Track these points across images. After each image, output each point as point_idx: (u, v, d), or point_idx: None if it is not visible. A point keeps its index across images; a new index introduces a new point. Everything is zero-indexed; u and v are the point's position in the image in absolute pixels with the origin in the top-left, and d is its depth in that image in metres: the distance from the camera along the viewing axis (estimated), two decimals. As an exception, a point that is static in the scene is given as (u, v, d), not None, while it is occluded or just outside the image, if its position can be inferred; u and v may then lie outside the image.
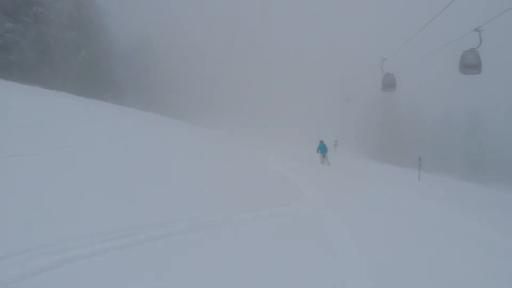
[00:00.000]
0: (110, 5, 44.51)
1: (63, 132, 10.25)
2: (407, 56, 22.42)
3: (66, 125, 11.43)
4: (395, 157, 51.17)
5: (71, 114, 14.19)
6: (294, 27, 70.78)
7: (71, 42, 37.10)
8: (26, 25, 30.73)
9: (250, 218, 6.36)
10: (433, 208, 11.79)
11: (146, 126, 16.84)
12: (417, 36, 14.06)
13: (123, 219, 4.98)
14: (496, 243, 8.70)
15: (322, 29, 71.02)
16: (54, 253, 3.72)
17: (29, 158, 7.01)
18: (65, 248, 3.86)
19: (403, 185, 18.14)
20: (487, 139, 58.78)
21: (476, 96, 62.01)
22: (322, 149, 20.98)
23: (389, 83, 18.23)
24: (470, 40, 12.92)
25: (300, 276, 4.34)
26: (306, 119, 55.52)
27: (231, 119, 51.28)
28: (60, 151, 7.96)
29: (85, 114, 14.97)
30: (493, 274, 5.92)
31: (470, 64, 12.92)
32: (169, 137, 15.27)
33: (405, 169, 31.52)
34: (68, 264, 3.59)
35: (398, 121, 60.30)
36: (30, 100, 15.03)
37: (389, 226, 8.00)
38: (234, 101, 57.57)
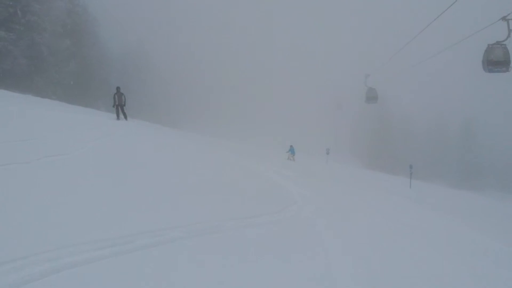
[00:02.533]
0: (103, 13, 44.54)
1: (54, 140, 10.22)
2: (401, 62, 22.82)
3: (57, 133, 11.40)
4: (387, 164, 51.47)
5: (62, 122, 14.15)
6: (290, 34, 71.19)
7: (64, 50, 37.11)
8: (19, 33, 30.71)
9: (242, 225, 6.38)
10: (422, 214, 11.88)
11: (139, 133, 16.82)
12: (413, 40, 14.02)
13: (112, 227, 5.00)
14: (487, 248, 8.85)
15: (317, 35, 71.56)
16: (46, 261, 3.70)
17: (20, 166, 6.97)
18: (58, 256, 3.84)
19: (394, 192, 18.28)
20: (480, 146, 59.17)
21: (469, 102, 62.50)
22: (292, 151, 29.77)
23: (371, 96, 19.80)
24: (469, 42, 11.83)
25: (295, 283, 4.38)
26: (300, 128, 55.65)
27: (224, 126, 51.18)
28: (50, 159, 7.93)
29: (77, 122, 14.95)
30: (477, 275, 6.11)
31: (497, 60, 11.03)
32: (163, 143, 15.26)
33: (397, 177, 31.71)
34: (61, 272, 3.57)
35: (391, 129, 60.63)
36: (21, 108, 15.00)
37: (378, 232, 8.12)
38: (228, 109, 57.63)
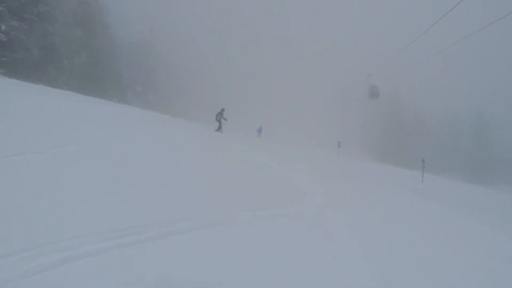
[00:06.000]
0: (115, 3, 44.56)
1: (67, 130, 10.28)
2: (411, 57, 22.78)
3: (70, 124, 11.46)
4: (399, 158, 51.06)
5: (75, 112, 14.22)
6: (298, 27, 70.76)
7: (75, 41, 37.23)
8: (31, 23, 30.78)
9: (252, 218, 6.34)
10: (436, 210, 11.73)
11: (150, 125, 16.86)
12: (422, 36, 13.90)
13: (124, 217, 4.98)
14: (499, 244, 8.69)
15: (329, 28, 71.02)
16: (54, 252, 3.71)
17: (32, 156, 7.00)
18: (65, 247, 3.84)
19: (406, 186, 18.11)
20: (492, 140, 58.27)
21: (480, 96, 61.55)
22: (259, 130, 35.57)
23: (373, 93, 20.63)
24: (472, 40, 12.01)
25: (303, 277, 4.34)
26: (311, 121, 55.51)
27: (232, 119, 51.23)
28: (63, 149, 7.97)
29: (89, 112, 15.01)
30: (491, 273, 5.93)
31: None
32: (169, 135, 15.27)
33: (408, 171, 31.42)
34: (68, 263, 3.57)
35: (402, 123, 60.01)
36: (34, 98, 15.09)
37: (389, 226, 8.01)
38: (238, 101, 57.58)
